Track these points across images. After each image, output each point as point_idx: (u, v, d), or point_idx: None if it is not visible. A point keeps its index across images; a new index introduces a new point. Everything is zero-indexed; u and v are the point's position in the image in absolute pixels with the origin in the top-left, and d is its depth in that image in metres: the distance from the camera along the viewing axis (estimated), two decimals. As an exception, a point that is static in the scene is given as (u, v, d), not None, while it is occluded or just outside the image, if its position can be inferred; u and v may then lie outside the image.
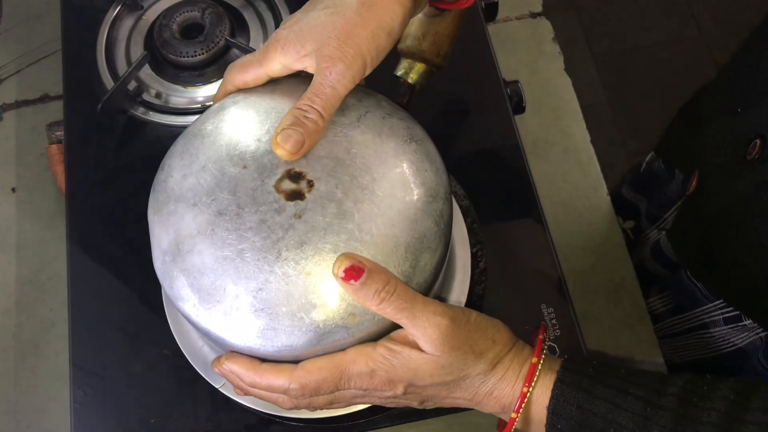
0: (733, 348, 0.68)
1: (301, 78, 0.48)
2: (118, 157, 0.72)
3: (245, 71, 0.48)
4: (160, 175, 0.47)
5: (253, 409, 0.57)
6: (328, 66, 0.44)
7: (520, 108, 0.74)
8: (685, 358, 0.76)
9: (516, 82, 0.74)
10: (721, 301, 0.66)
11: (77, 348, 0.63)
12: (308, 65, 0.45)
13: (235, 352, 0.45)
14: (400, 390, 0.45)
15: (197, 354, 0.57)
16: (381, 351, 0.44)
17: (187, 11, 0.74)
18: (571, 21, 1.94)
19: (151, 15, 0.77)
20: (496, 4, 0.78)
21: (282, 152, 0.43)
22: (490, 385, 0.46)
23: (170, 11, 0.74)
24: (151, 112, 0.73)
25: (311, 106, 0.44)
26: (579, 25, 1.94)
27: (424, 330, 0.43)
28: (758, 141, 0.55)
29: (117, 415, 0.62)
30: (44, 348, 0.70)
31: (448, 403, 0.48)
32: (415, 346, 0.44)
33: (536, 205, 0.68)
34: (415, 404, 0.48)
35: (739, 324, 0.66)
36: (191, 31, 0.74)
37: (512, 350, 0.47)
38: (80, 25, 0.77)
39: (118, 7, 0.78)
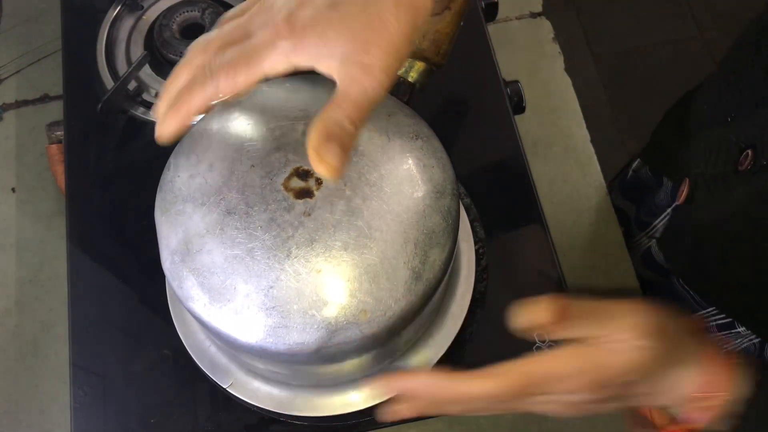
0: (729, 354, 0.68)
1: (309, 76, 0.48)
2: (118, 157, 0.72)
3: None
4: (167, 175, 0.47)
5: (256, 407, 0.57)
6: (368, 78, 0.37)
7: (520, 108, 0.74)
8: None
9: (516, 82, 0.74)
10: (714, 308, 0.66)
11: (77, 348, 0.63)
12: (332, 67, 0.37)
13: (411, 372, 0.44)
14: None
15: (204, 354, 0.57)
16: None
17: (187, 11, 0.74)
18: (571, 21, 1.94)
19: (151, 15, 0.77)
20: (496, 4, 0.78)
21: (324, 169, 0.37)
22: None
23: (170, 11, 0.74)
24: (151, 112, 0.73)
25: (349, 118, 0.37)
26: (579, 25, 1.94)
27: None
28: (750, 151, 0.53)
29: (117, 415, 0.61)
30: (44, 348, 0.70)
31: None
32: None
33: (536, 205, 0.68)
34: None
35: (733, 331, 0.66)
36: (191, 31, 0.74)
37: None
38: (80, 25, 0.77)
39: (118, 7, 0.77)
